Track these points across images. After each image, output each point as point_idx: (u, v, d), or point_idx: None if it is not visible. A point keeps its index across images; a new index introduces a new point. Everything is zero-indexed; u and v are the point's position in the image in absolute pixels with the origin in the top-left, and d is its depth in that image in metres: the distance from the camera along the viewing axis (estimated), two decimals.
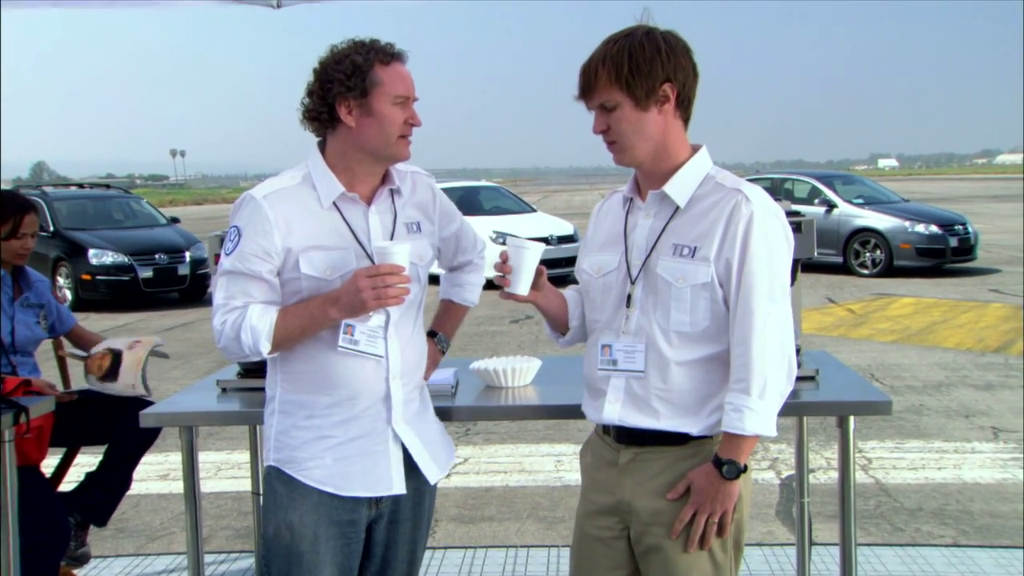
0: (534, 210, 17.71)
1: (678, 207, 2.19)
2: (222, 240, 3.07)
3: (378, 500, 2.40)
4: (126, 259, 13.85)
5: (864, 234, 15.24)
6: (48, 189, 15.80)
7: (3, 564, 2.99)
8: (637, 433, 2.22)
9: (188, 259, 14.33)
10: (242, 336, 2.24)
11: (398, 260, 2.21)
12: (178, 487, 5.49)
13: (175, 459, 6.01)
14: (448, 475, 5.79)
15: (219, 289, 2.29)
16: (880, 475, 5.56)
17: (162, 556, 4.56)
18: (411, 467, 2.42)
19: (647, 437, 2.21)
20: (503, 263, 2.24)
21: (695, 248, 2.14)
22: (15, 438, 2.89)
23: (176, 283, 14.37)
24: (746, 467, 2.15)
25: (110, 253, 13.84)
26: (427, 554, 4.44)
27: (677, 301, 2.15)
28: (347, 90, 2.26)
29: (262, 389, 2.57)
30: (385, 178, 2.40)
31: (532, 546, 4.55)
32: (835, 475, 5.45)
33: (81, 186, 17.14)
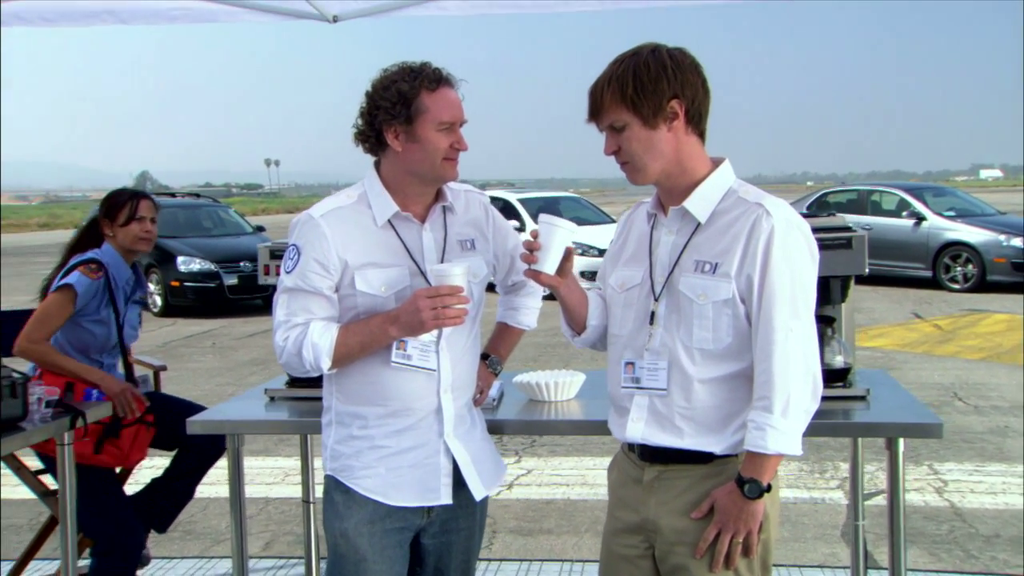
0: (613, 221, 17.62)
1: (699, 223, 2.16)
2: (271, 252, 3.14)
3: (429, 509, 2.43)
4: (213, 266, 14.25)
5: (955, 248, 14.73)
6: None
7: (63, 564, 3.10)
8: (661, 451, 2.18)
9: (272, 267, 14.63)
10: (304, 353, 2.30)
11: (456, 281, 2.25)
12: (247, 491, 5.62)
13: (247, 464, 6.15)
14: (509, 486, 5.81)
15: (280, 307, 2.36)
16: (956, 499, 5.36)
17: (225, 559, 4.65)
18: (460, 480, 2.44)
19: (671, 455, 2.17)
20: (533, 239, 2.21)
21: (716, 264, 2.11)
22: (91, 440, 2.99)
23: (259, 290, 14.68)
24: (770, 486, 2.09)
25: (198, 260, 14.25)
26: (482, 565, 4.46)
27: (699, 318, 2.12)
28: (392, 117, 2.32)
29: (310, 399, 2.61)
30: (438, 196, 2.44)
31: (588, 560, 4.51)
32: (907, 496, 5.29)
33: (173, 195, 17.71)
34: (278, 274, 3.10)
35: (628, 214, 2.41)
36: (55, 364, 3.37)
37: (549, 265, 2.21)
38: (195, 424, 2.94)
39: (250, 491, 5.67)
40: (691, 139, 2.16)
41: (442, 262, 2.38)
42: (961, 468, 5.91)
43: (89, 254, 3.54)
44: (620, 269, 2.31)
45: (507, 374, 3.24)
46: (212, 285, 14.21)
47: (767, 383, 2.04)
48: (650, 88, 2.07)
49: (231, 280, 14.29)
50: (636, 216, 2.37)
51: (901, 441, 2.66)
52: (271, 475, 6.01)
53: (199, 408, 3.64)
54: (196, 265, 14.23)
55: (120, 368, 3.63)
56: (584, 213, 17.55)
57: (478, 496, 2.47)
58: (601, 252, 15.19)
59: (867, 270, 2.91)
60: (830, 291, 2.89)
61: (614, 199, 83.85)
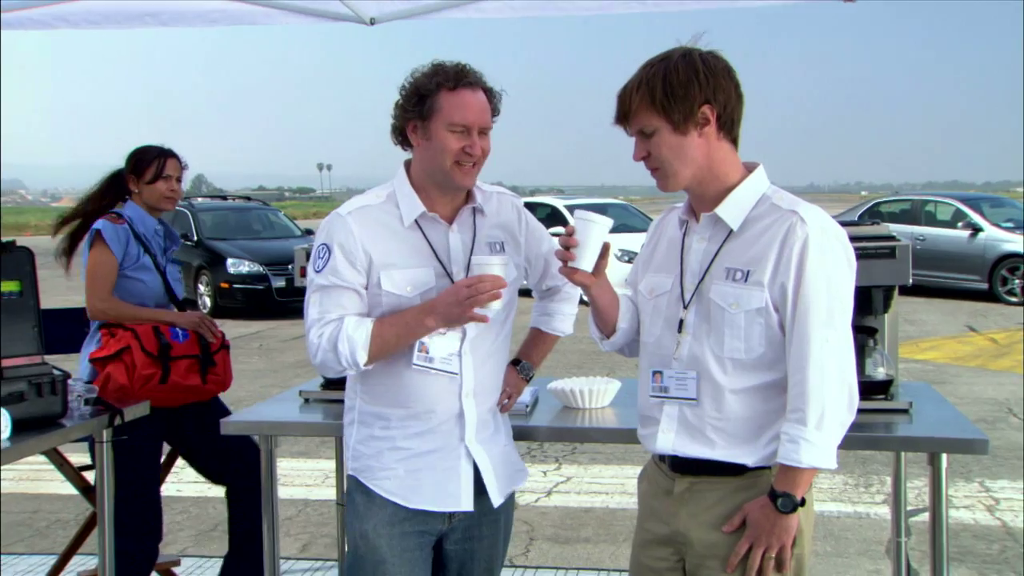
0: None
1: (732, 230, 2.12)
2: (310, 254, 3.15)
3: (451, 515, 2.41)
4: (261, 268, 14.42)
5: (1013, 260, 14.39)
6: (196, 200, 16.64)
7: (101, 563, 3.13)
8: (692, 463, 2.14)
9: None
10: (339, 346, 2.27)
11: (496, 271, 2.25)
12: (285, 492, 5.66)
13: (285, 465, 6.20)
14: (548, 493, 5.77)
15: (313, 306, 2.34)
16: (1008, 517, 5.21)
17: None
18: (481, 486, 2.42)
19: (702, 467, 2.13)
20: (568, 236, 2.19)
21: (748, 272, 2.06)
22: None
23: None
24: (804, 501, 2.04)
25: (247, 263, 14.43)
26: (518, 572, 4.43)
27: (731, 327, 2.07)
28: (411, 113, 2.32)
29: (343, 401, 2.60)
30: (468, 197, 2.42)
31: (625, 570, 4.45)
32: (956, 513, 5.16)
33: (224, 198, 17.97)
34: None
35: (659, 219, 2.38)
36: (131, 315, 3.44)
37: (586, 262, 2.19)
38: (229, 425, 2.96)
39: (291, 492, 5.72)
40: (723, 145, 2.11)
41: (468, 263, 2.37)
42: (1014, 486, 5.75)
43: (111, 211, 3.58)
44: (650, 275, 2.28)
45: (544, 380, 3.22)
46: (260, 287, 14.38)
47: (801, 395, 2.00)
48: (680, 93, 2.03)
49: (279, 283, 14.44)
50: (667, 221, 2.33)
51: (944, 457, 2.58)
52: (311, 477, 6.05)
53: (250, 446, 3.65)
54: (245, 267, 14.40)
55: None
56: (632, 220, 17.44)
57: (495, 503, 2.44)
58: None
59: (911, 280, 2.84)
60: (872, 301, 2.82)
61: (664, 207, 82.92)
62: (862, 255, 2.76)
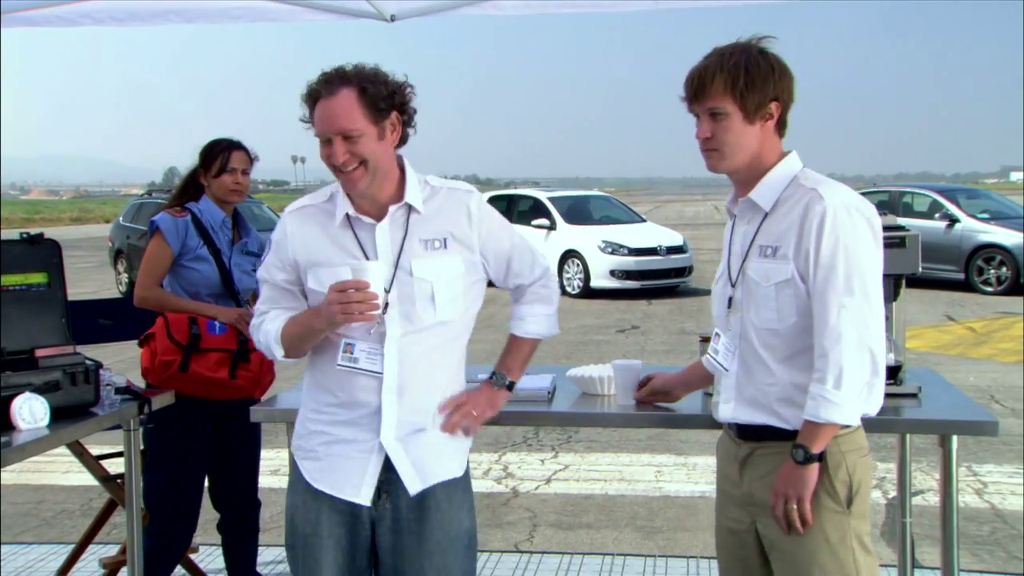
0: (644, 220, 17.63)
1: (766, 212, 2.29)
2: None
3: (376, 503, 2.41)
4: None
5: (989, 250, 14.64)
6: None
7: (130, 550, 3.18)
8: (751, 428, 2.33)
9: None
10: (259, 338, 2.48)
11: (367, 277, 2.25)
12: (277, 483, 5.70)
13: (285, 455, 6.23)
14: (548, 480, 5.87)
15: (260, 300, 2.53)
16: (996, 500, 5.36)
17: (271, 547, 4.73)
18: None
19: (761, 432, 2.31)
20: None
21: (776, 248, 2.25)
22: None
23: None
24: (821, 456, 2.20)
25: None
26: (524, 558, 4.52)
27: (764, 299, 2.26)
28: (310, 128, 2.38)
29: None
30: (400, 195, 2.42)
31: (629, 554, 4.56)
32: (939, 500, 5.28)
33: None
34: None
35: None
36: (172, 306, 3.51)
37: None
38: (259, 412, 3.01)
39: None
40: (774, 139, 2.30)
41: (397, 261, 2.37)
42: (1000, 470, 5.91)
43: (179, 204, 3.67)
44: (719, 263, 2.48)
45: (560, 368, 3.29)
46: None
47: (822, 356, 2.18)
48: (759, 85, 2.21)
49: None
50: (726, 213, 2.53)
51: (955, 439, 2.69)
52: None
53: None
54: None
55: None
56: (615, 212, 17.58)
57: (412, 490, 2.40)
58: (632, 251, 15.22)
59: (920, 269, 2.95)
60: (883, 289, 2.92)
61: (639, 198, 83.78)
62: None
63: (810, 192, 2.23)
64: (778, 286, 2.23)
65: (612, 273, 15.04)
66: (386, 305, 2.34)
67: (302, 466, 2.47)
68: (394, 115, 2.36)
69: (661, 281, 15.36)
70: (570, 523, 5.13)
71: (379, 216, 2.40)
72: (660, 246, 15.52)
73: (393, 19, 3.72)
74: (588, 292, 14.88)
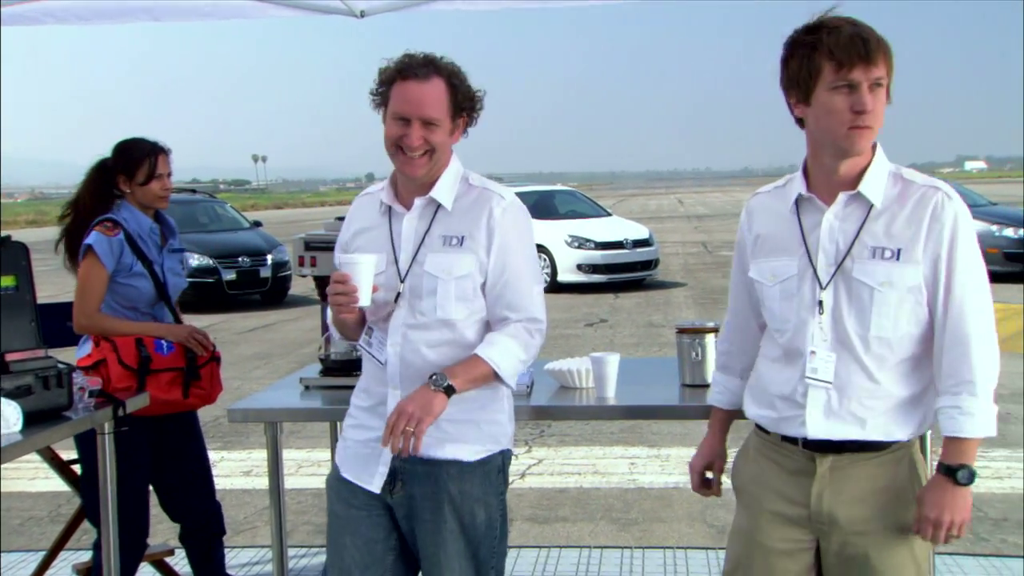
0: (609, 214, 17.70)
1: (871, 206, 2.12)
2: (307, 244, 3.20)
3: (391, 491, 2.42)
4: (211, 262, 14.26)
5: None
6: None
7: (105, 557, 3.13)
8: (836, 442, 2.14)
9: (270, 262, 14.69)
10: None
11: (358, 269, 2.29)
12: (261, 483, 5.67)
13: (258, 455, 6.19)
14: (522, 475, 5.86)
15: None
16: None
17: (246, 549, 4.70)
18: (427, 470, 2.40)
19: (846, 445, 2.14)
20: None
21: (899, 250, 2.08)
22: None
23: (258, 285, 14.73)
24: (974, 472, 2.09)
25: (196, 256, 14.24)
26: None
27: (880, 306, 2.08)
28: (376, 99, 2.40)
29: (343, 387, 2.66)
30: (430, 188, 2.41)
31: (606, 547, 4.58)
32: None
33: None
34: (313, 265, 3.17)
35: (751, 205, 2.36)
36: (115, 331, 3.37)
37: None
38: (236, 413, 2.98)
39: (263, 483, 5.72)
40: None
41: (416, 253, 2.39)
42: None
43: (104, 216, 3.47)
44: (765, 260, 2.24)
45: (538, 362, 3.28)
46: (210, 280, 14.23)
47: (965, 366, 2.05)
48: (893, 58, 2.06)
49: (229, 275, 14.32)
50: (765, 205, 2.31)
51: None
52: (284, 467, 6.04)
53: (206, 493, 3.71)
54: (194, 261, 14.21)
55: (170, 319, 3.60)
56: (580, 207, 17.62)
57: (375, 489, 2.42)
58: (598, 245, 15.27)
59: None
60: None
61: (603, 192, 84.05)
62: None
63: (933, 191, 2.09)
64: (900, 292, 2.07)
65: (579, 267, 15.08)
66: (397, 295, 2.39)
67: (337, 450, 2.58)
68: (465, 117, 2.42)
69: (628, 274, 15.44)
70: (546, 517, 5.14)
71: (408, 207, 2.43)
72: (626, 240, 15.59)
73: (363, 15, 3.69)
74: (555, 286, 14.88)
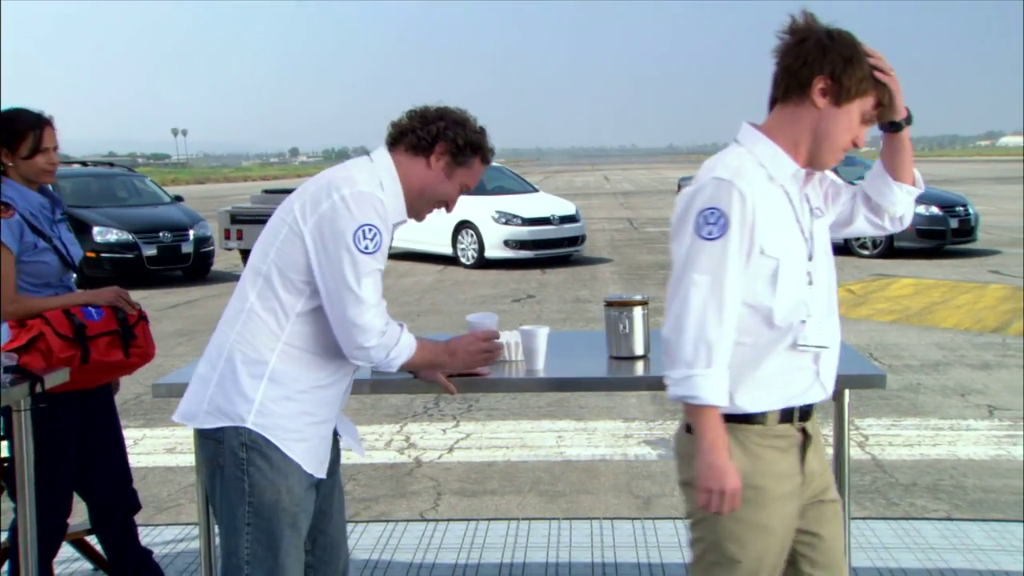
0: (536, 190, 17.74)
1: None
2: (233, 216, 3.15)
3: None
4: (130, 237, 13.90)
5: None
6: None
7: (22, 537, 3.06)
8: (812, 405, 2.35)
9: (192, 237, 14.36)
10: (392, 341, 2.42)
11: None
12: (184, 460, 5.59)
13: (181, 433, 6.09)
14: (450, 449, 5.89)
15: (372, 289, 2.36)
16: (876, 452, 5.65)
17: (171, 526, 4.64)
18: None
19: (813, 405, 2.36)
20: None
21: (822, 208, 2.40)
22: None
23: (180, 261, 14.43)
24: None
25: (114, 231, 13.88)
26: (430, 526, 4.54)
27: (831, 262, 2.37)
28: (453, 151, 2.48)
29: None
30: None
31: (533, 519, 4.63)
32: (830, 451, 5.54)
33: (84, 164, 17.15)
34: (239, 238, 3.13)
35: (740, 190, 2.25)
36: (40, 310, 3.28)
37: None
38: (161, 387, 2.94)
39: (188, 459, 5.64)
40: None
41: None
42: (880, 423, 6.22)
43: None
44: (779, 239, 2.21)
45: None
46: (130, 256, 13.88)
47: None
48: None
49: (150, 251, 13.98)
50: (754, 186, 2.22)
51: (847, 392, 2.82)
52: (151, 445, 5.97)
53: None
54: (113, 236, 13.87)
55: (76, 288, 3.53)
56: (507, 183, 17.61)
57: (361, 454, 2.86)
58: (525, 221, 15.32)
59: None
60: None
61: (529, 168, 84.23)
62: None
63: None
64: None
65: (506, 243, 15.10)
66: None
67: (291, 450, 2.41)
68: None
69: (555, 250, 15.52)
70: (474, 490, 5.18)
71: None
72: (553, 216, 15.66)
73: None
74: (482, 262, 14.90)
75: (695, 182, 2.18)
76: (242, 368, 2.39)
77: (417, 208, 2.52)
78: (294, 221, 2.37)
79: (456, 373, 2.75)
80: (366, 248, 2.32)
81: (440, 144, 2.46)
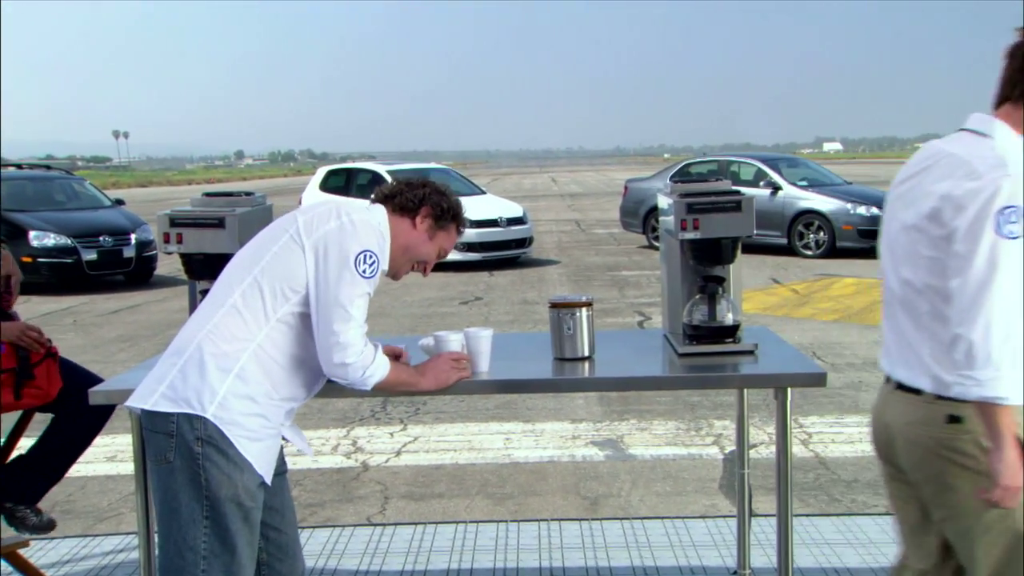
0: (483, 192, 17.74)
1: None
2: (172, 220, 3.08)
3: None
4: (69, 241, 13.59)
5: (808, 216, 15.50)
6: None
7: None
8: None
9: (134, 241, 14.10)
10: (368, 361, 2.52)
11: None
12: (125, 468, 5.48)
13: (122, 440, 5.97)
14: (397, 453, 5.86)
15: (359, 308, 2.49)
16: (819, 449, 5.73)
17: (110, 536, 4.54)
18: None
19: None
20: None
21: None
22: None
23: (121, 265, 14.15)
24: None
25: (52, 235, 13.57)
26: (377, 531, 4.50)
27: None
28: (436, 214, 2.68)
29: None
30: None
31: (481, 521, 4.62)
32: (774, 448, 5.61)
33: (20, 167, 16.73)
34: (179, 242, 3.07)
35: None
36: None
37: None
38: (98, 394, 2.88)
39: (128, 468, 5.53)
40: None
41: None
42: (823, 421, 6.31)
43: None
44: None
45: (407, 339, 3.28)
46: (69, 261, 13.56)
47: None
48: None
49: (90, 255, 13.68)
50: None
51: (789, 391, 2.85)
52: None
53: (87, 377, 3.50)
54: (51, 240, 13.55)
55: None
56: (455, 185, 17.55)
57: (308, 452, 2.98)
58: (473, 223, 15.28)
59: (755, 232, 3.10)
60: (722, 251, 3.06)
61: (477, 171, 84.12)
62: (711, 209, 3.00)
63: None
64: None
65: (454, 245, 15.05)
66: None
67: (245, 449, 2.44)
68: None
69: (502, 252, 15.53)
70: (422, 494, 5.15)
71: None
72: (500, 218, 15.67)
73: None
74: None
75: (971, 177, 2.14)
76: (211, 359, 2.42)
77: (398, 264, 2.65)
78: (296, 232, 2.49)
79: (428, 392, 2.83)
80: (364, 272, 2.47)
81: (425, 207, 2.66)
